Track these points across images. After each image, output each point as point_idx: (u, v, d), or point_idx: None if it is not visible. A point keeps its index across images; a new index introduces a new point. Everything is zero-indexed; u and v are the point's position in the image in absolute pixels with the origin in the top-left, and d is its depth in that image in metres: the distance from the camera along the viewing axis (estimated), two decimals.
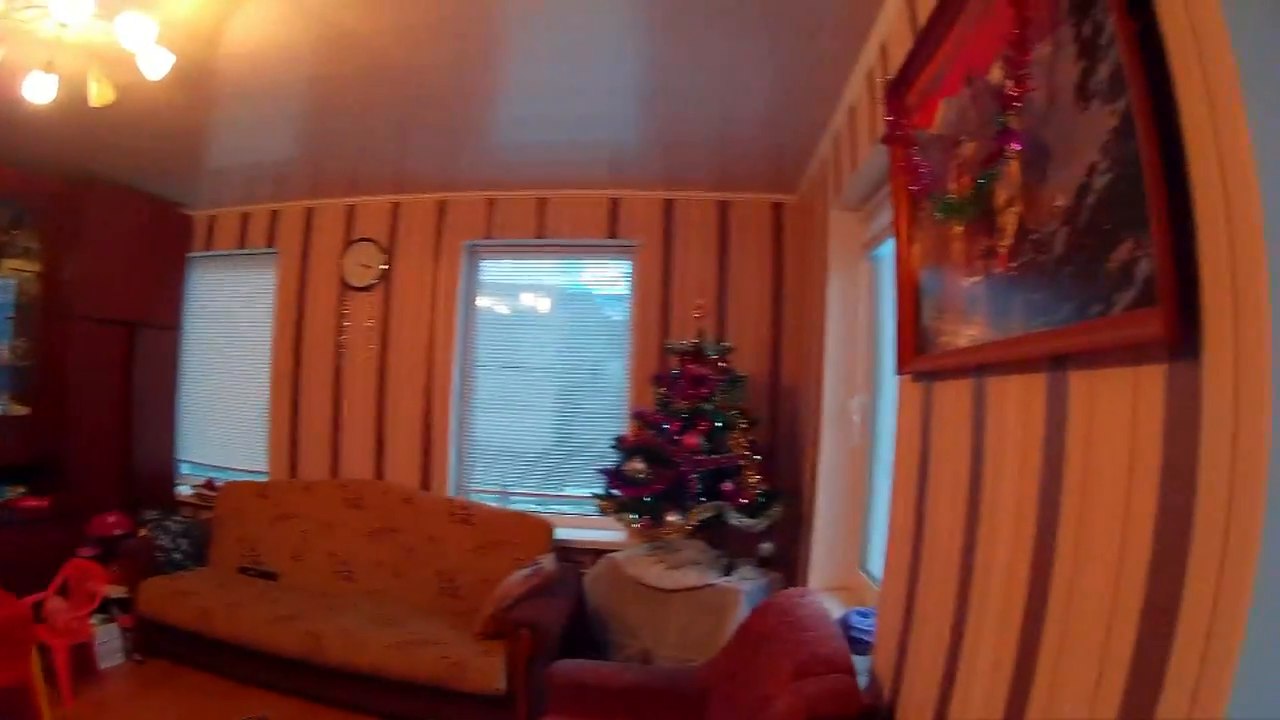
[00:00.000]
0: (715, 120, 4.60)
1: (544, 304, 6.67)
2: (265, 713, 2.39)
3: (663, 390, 5.12)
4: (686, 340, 5.24)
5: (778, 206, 5.86)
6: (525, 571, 4.92)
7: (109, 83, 3.65)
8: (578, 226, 6.18)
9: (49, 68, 3.49)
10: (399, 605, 5.52)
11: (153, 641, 5.64)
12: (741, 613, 4.23)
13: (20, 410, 6.14)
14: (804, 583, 4.34)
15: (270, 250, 7.05)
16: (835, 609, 3.36)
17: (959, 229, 2.09)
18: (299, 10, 3.50)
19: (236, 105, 4.73)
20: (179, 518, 6.46)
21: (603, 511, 5.12)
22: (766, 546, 4.80)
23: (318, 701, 4.93)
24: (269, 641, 5.11)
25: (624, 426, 5.61)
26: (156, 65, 3.38)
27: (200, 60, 3.89)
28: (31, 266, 6.17)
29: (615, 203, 6.08)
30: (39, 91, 3.56)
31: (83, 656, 5.32)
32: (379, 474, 6.55)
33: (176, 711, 4.98)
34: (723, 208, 5.92)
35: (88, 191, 6.27)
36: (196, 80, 4.11)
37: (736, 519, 4.69)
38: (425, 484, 6.38)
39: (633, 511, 4.91)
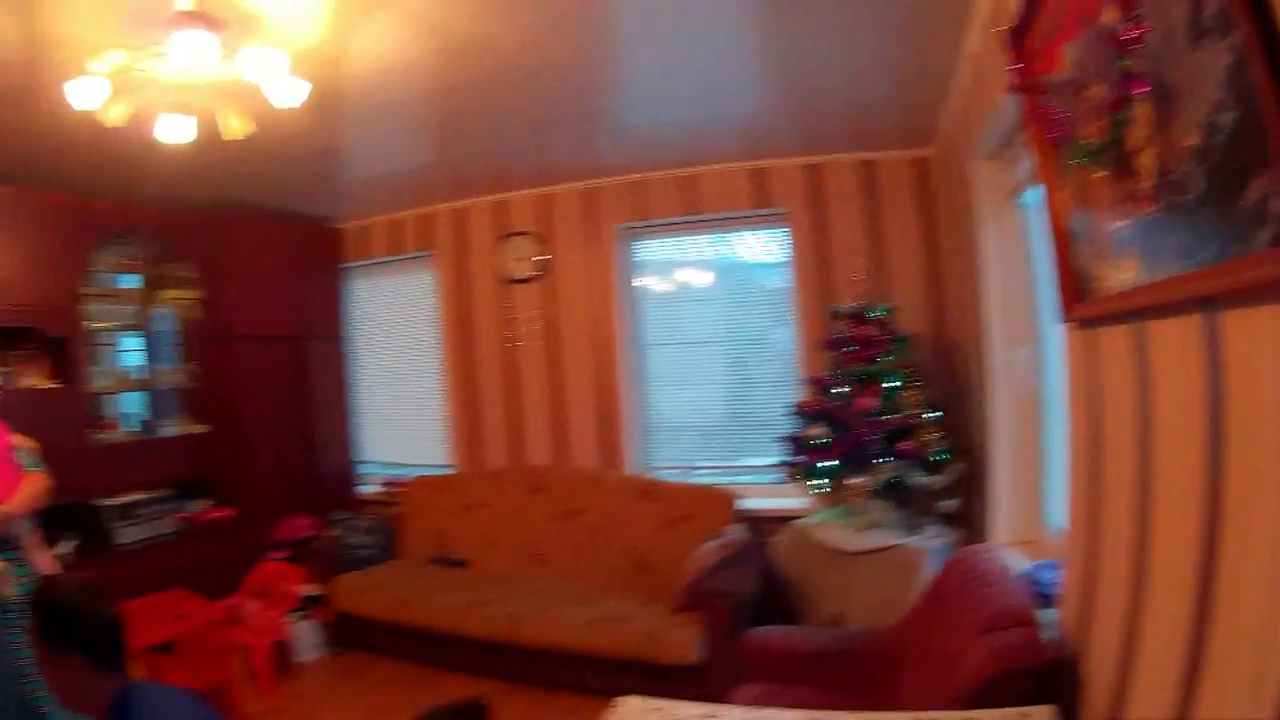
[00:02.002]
0: (843, 81, 4.51)
1: (703, 279, 6.67)
2: (477, 696, 2.51)
3: (833, 355, 5.07)
4: (849, 303, 5.18)
5: (920, 161, 5.69)
6: (715, 543, 4.97)
7: (244, 115, 3.72)
8: (726, 199, 6.16)
9: (181, 109, 3.60)
10: (591, 584, 5.64)
11: (348, 635, 5.97)
12: (927, 572, 4.18)
13: (199, 429, 6.55)
14: (986, 539, 4.24)
15: (426, 253, 7.29)
16: (1019, 563, 3.28)
17: (1100, 173, 2.01)
18: (420, 24, 3.58)
19: (369, 121, 4.88)
20: (366, 516, 6.79)
21: (788, 478, 5.11)
22: (948, 504, 4.71)
23: (513, 681, 5.10)
24: (465, 626, 5.32)
25: (795, 394, 5.53)
26: (291, 94, 3.44)
27: (327, 82, 3.94)
28: (190, 294, 6.55)
29: (760, 173, 6.02)
30: (175, 133, 3.69)
31: (281, 653, 5.65)
32: (561, 458, 6.67)
33: (374, 699, 5.25)
34: (867, 168, 5.79)
35: (233, 219, 6.63)
36: (326, 102, 4.16)
37: (917, 478, 4.62)
38: (608, 464, 6.46)
39: (816, 476, 4.89)
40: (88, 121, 3.61)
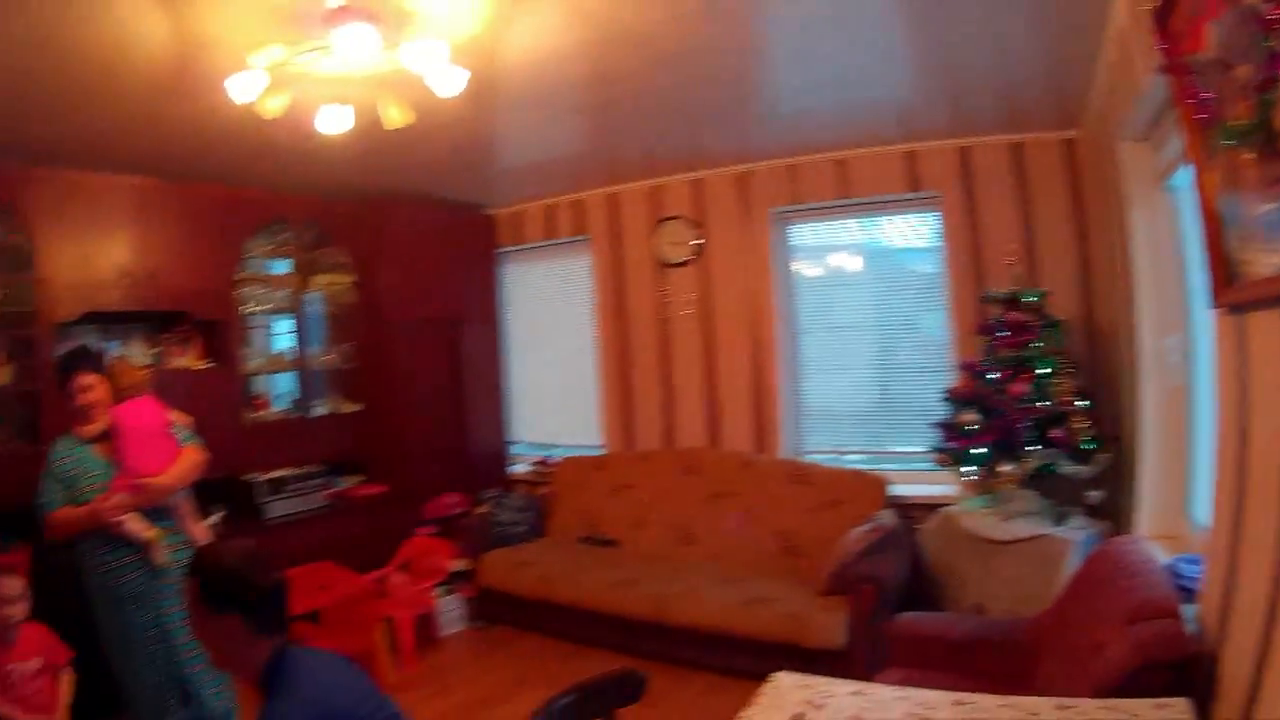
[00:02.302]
0: (991, 62, 4.42)
1: (853, 264, 6.66)
2: (634, 668, 2.60)
3: (986, 340, 5.05)
4: (1002, 288, 5.14)
5: (1069, 143, 5.52)
6: (865, 528, 4.98)
7: (403, 105, 3.87)
8: (878, 183, 6.12)
9: (340, 100, 3.73)
10: (740, 566, 5.69)
11: (493, 610, 6.20)
12: (1071, 563, 4.14)
13: (353, 407, 6.92)
14: (1130, 531, 4.16)
15: (581, 238, 7.48)
16: (1162, 556, 3.24)
17: (1249, 155, 1.99)
18: (574, 13, 3.63)
19: (523, 109, 4.97)
20: (516, 495, 7.01)
21: (939, 464, 5.13)
22: (1095, 494, 4.62)
23: (654, 660, 5.12)
24: (612, 605, 5.47)
25: (944, 380, 5.51)
26: (450, 84, 3.52)
27: (484, 71, 3.98)
28: (344, 279, 6.93)
29: (911, 155, 5.96)
30: (333, 124, 3.80)
31: (425, 626, 5.89)
32: (714, 441, 6.76)
33: (513, 672, 5.46)
34: (1016, 150, 5.66)
35: (387, 207, 6.95)
36: (483, 90, 4.20)
37: (1066, 467, 4.56)
38: (760, 448, 6.51)
39: (967, 463, 4.91)
40: (243, 115, 3.82)
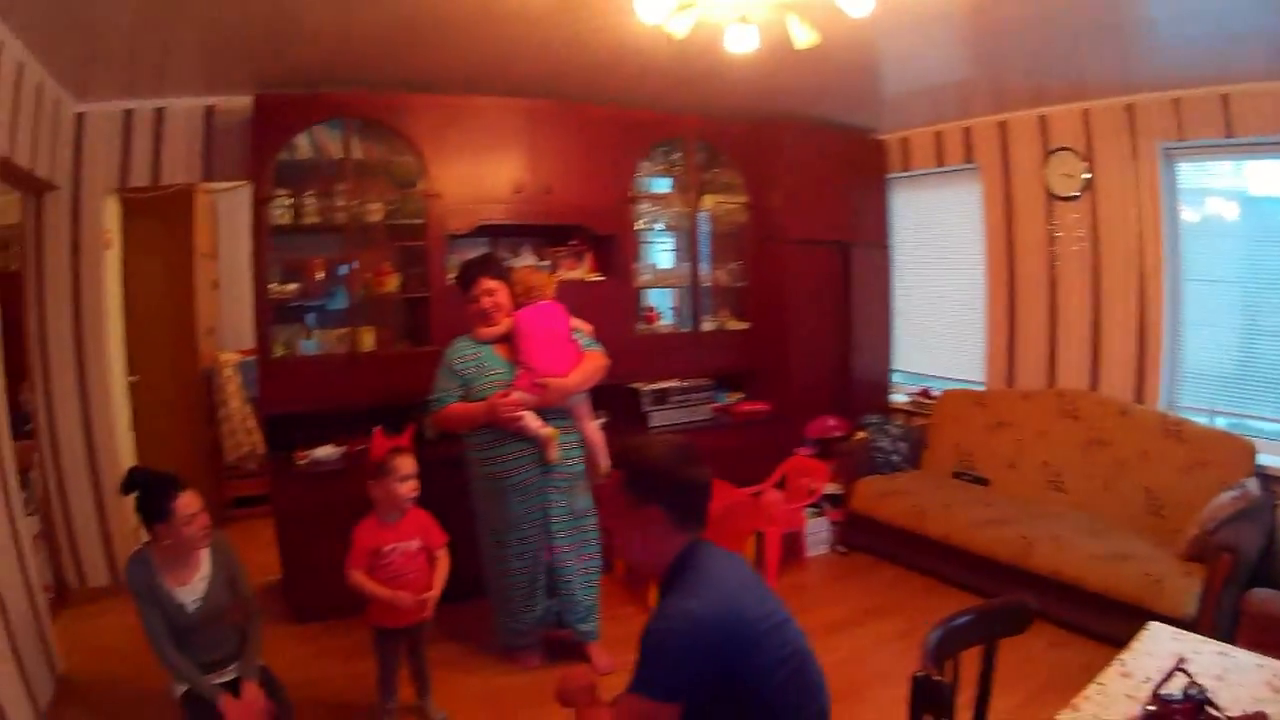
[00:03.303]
0: None
1: (1228, 211, 6.28)
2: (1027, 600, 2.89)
3: None
4: None
5: None
6: (1232, 493, 4.89)
7: (811, 26, 3.84)
8: (1261, 122, 5.66)
9: (744, 20, 3.72)
10: (1105, 519, 5.66)
11: (857, 535, 6.56)
12: None
13: (739, 325, 7.42)
14: None
15: (969, 166, 7.48)
16: None
17: None
18: None
19: (916, 33, 5.00)
20: (895, 423, 7.29)
21: None
22: None
23: None
24: (977, 543, 5.62)
25: None
26: (861, 5, 3.50)
27: None
28: (734, 200, 7.37)
29: None
30: (740, 43, 3.77)
31: (792, 544, 6.32)
32: (1093, 385, 6.64)
33: (869, 600, 5.76)
34: None
35: (778, 128, 7.23)
36: (881, 14, 4.03)
37: None
38: (1138, 397, 6.35)
39: None
40: (637, 37, 4.27)
